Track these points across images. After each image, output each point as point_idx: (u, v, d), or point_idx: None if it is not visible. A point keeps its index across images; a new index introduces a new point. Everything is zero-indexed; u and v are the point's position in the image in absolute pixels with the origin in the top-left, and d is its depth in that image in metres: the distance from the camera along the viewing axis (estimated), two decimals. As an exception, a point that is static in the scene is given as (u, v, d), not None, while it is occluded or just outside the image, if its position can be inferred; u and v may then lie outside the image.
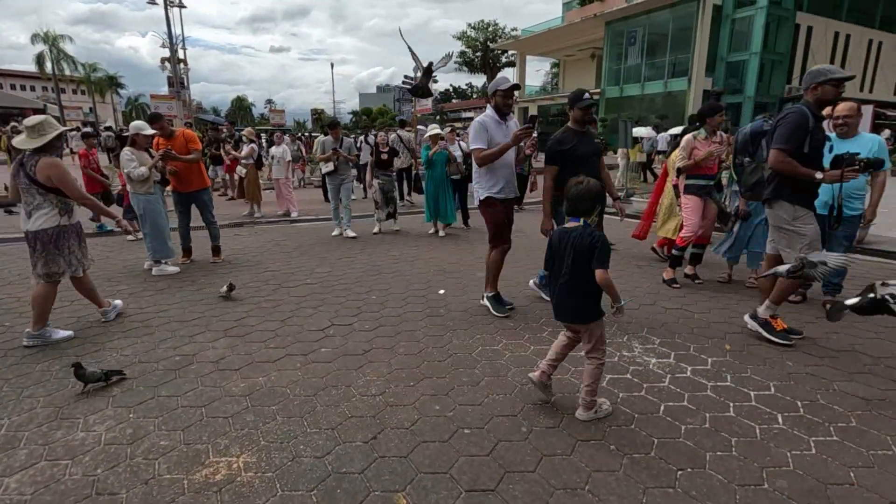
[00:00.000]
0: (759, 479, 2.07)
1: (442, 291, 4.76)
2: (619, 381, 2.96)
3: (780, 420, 2.53)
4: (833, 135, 3.98)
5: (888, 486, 2.03)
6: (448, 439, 2.36)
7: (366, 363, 3.20)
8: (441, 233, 7.71)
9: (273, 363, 3.19)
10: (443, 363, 3.21)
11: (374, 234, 7.62)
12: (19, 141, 3.46)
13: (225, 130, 12.90)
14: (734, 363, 3.20)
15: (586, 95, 3.90)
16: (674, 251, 5.02)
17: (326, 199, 10.31)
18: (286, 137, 12.19)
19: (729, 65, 24.80)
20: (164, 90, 28.44)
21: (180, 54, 26.26)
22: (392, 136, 12.23)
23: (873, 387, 2.88)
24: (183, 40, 26.93)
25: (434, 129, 7.94)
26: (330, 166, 7.21)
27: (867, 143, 3.93)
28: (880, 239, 6.47)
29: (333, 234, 7.47)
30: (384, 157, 7.86)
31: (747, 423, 2.51)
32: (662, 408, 2.65)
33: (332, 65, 48.94)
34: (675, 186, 5.70)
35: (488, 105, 4.09)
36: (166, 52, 25.47)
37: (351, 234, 7.39)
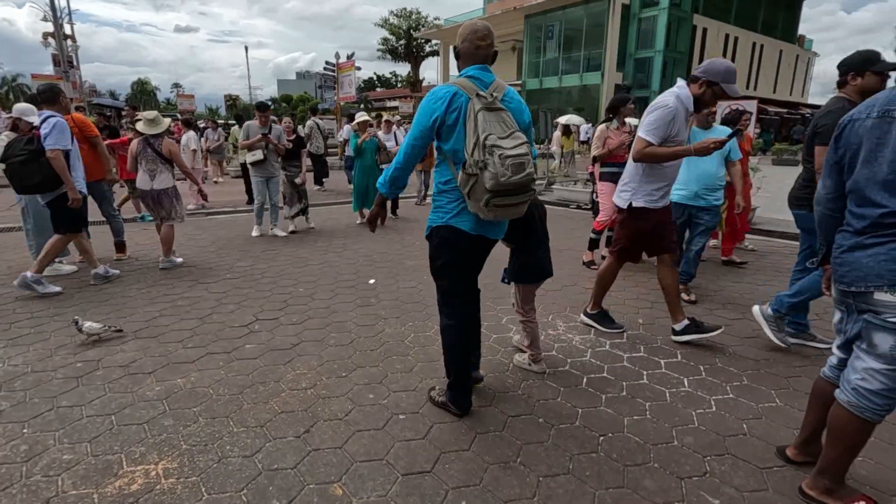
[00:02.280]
0: (670, 437, 2.28)
1: (372, 281, 4.70)
2: (545, 357, 3.10)
3: (686, 384, 2.80)
4: (695, 127, 4.27)
5: (774, 434, 2.32)
6: (383, 426, 2.36)
7: (295, 357, 3.10)
8: (358, 220, 7.67)
9: (192, 363, 2.99)
10: (375, 352, 3.19)
11: (291, 232, 6.78)
12: (143, 127, 4.99)
13: (126, 115, 11.71)
14: (646, 335, 3.48)
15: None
16: (592, 235, 5.33)
17: (250, 200, 8.95)
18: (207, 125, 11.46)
19: (637, 61, 26.55)
20: (49, 70, 25.26)
21: (67, 29, 23.43)
22: (308, 122, 11.87)
23: (761, 349, 3.26)
24: (70, 14, 24.04)
25: (363, 116, 7.70)
26: (258, 155, 6.27)
27: (721, 133, 4.19)
28: (764, 220, 7.30)
29: (254, 234, 6.66)
30: (289, 145, 6.75)
31: (659, 388, 2.75)
32: (585, 380, 2.83)
33: (246, 48, 45.98)
34: (591, 174, 6.05)
35: (684, 86, 3.03)
36: (49, 27, 22.60)
37: (280, 232, 6.68)
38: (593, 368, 2.98)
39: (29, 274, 4.15)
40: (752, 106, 8.04)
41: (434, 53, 44.61)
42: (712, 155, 3.48)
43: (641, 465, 2.09)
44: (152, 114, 5.13)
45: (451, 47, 2.39)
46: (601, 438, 2.27)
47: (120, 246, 5.48)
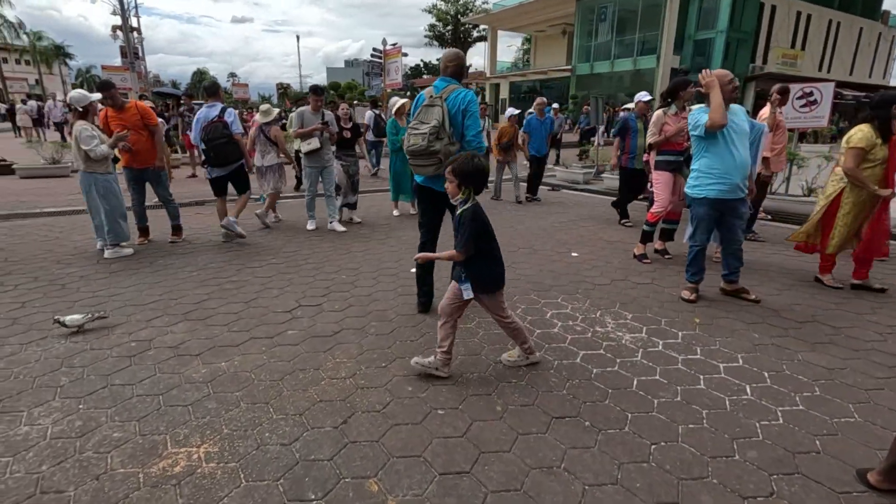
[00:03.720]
0: (731, 450, 2.09)
1: (414, 270, 4.65)
2: (592, 356, 2.95)
3: (748, 391, 2.57)
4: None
5: (852, 453, 2.08)
6: (421, 421, 2.30)
7: (335, 345, 3.09)
8: (395, 212, 7.36)
9: (236, 347, 3.04)
10: (415, 343, 3.13)
11: (353, 222, 6.64)
12: (260, 118, 6.39)
13: (183, 103, 12.20)
14: (703, 336, 3.24)
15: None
16: (644, 227, 5.05)
17: (298, 185, 9.19)
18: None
19: (696, 43, 25.04)
20: (117, 61, 26.74)
21: (133, 22, 24.68)
22: (368, 113, 11.83)
23: (835, 356, 2.97)
24: (136, 7, 25.30)
25: (399, 102, 7.23)
26: (314, 143, 5.88)
27: (739, 113, 3.74)
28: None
29: (309, 227, 6.27)
30: (347, 134, 6.49)
31: (717, 394, 2.54)
32: (635, 382, 2.66)
33: (297, 37, 46.96)
34: (646, 163, 5.72)
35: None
36: (118, 21, 23.87)
37: (339, 227, 6.24)
38: (645, 370, 2.79)
39: (232, 218, 5.58)
40: (828, 89, 7.35)
41: (482, 39, 43.94)
42: (744, 140, 3.61)
43: (698, 479, 1.92)
44: (265, 107, 6.49)
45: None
46: (653, 447, 2.11)
47: (176, 229, 5.70)
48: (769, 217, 6.94)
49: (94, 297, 3.89)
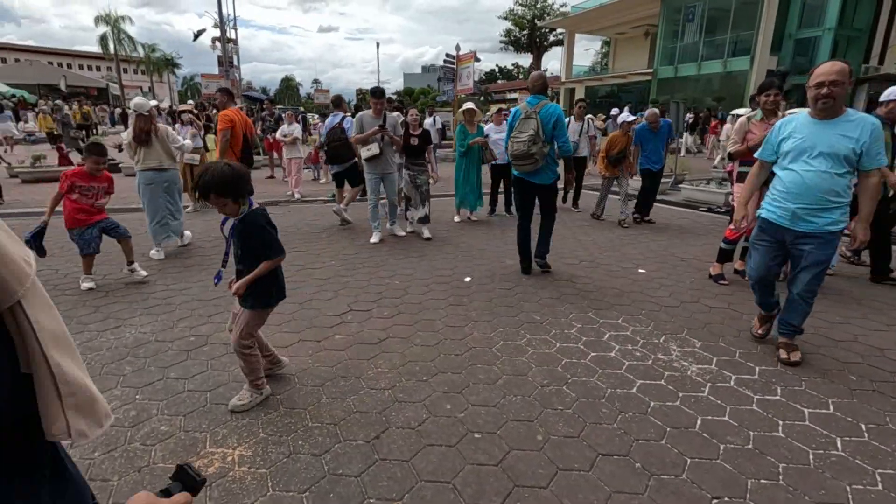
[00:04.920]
0: (811, 517, 1.79)
1: (468, 279, 4.55)
2: (651, 387, 2.68)
3: (838, 445, 2.20)
4: (801, 116, 2.90)
5: (974, 539, 1.69)
6: (455, 444, 2.18)
7: (379, 353, 3.06)
8: (456, 218, 7.21)
9: (286, 348, 3.10)
10: (460, 357, 3.02)
11: (423, 238, 6.08)
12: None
13: (266, 108, 12.99)
14: (786, 374, 2.85)
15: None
16: (723, 245, 4.59)
17: (363, 193, 9.37)
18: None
19: (798, 42, 22.85)
20: (215, 70, 29.17)
21: (230, 34, 26.78)
22: (429, 120, 11.83)
23: (956, 412, 2.48)
24: (234, 20, 27.44)
25: (468, 105, 7.03)
26: (373, 149, 5.49)
27: (857, 122, 2.69)
28: None
29: (373, 241, 5.83)
30: (414, 142, 5.96)
31: (799, 446, 2.20)
32: (699, 422, 2.37)
33: (377, 44, 48.65)
34: (729, 173, 5.22)
35: None
36: (218, 33, 26.02)
37: (399, 231, 6.11)
38: (711, 409, 2.49)
39: (342, 206, 6.53)
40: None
41: (558, 43, 43.05)
42: (826, 157, 2.70)
43: (767, 548, 1.65)
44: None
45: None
46: (714, 502, 1.85)
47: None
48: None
49: (166, 289, 4.17)
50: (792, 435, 2.28)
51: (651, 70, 28.25)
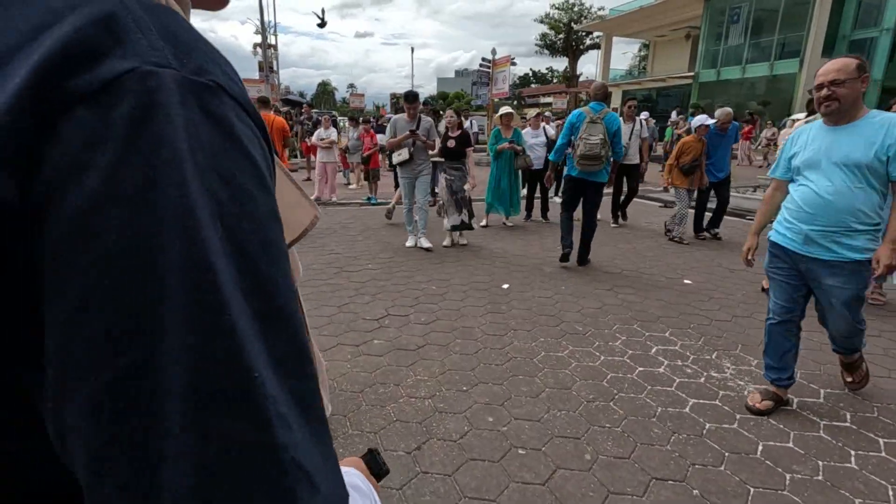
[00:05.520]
0: (896, 562, 1.62)
1: (506, 286, 4.46)
2: (705, 407, 2.53)
3: (921, 482, 2.01)
4: (816, 124, 2.44)
5: None
6: (499, 459, 2.10)
7: (418, 360, 3.01)
8: (483, 222, 7.01)
9: (325, 352, 3.09)
10: (500, 367, 2.94)
11: (460, 245, 5.96)
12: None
13: (304, 112, 13.29)
14: (856, 400, 2.64)
15: None
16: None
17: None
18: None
19: (853, 44, 21.71)
20: (256, 75, 30.11)
21: (271, 40, 27.57)
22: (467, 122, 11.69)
23: None
24: (274, 26, 28.25)
25: (506, 108, 6.88)
26: (403, 155, 5.47)
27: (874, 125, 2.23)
28: None
29: (408, 244, 5.86)
30: (451, 144, 5.77)
31: (876, 480, 2.01)
32: (760, 448, 2.21)
33: (412, 49, 49.08)
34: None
35: None
36: (259, 39, 26.84)
37: (425, 243, 5.75)
38: (774, 433, 2.32)
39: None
40: None
41: (595, 47, 42.43)
42: (842, 169, 2.22)
43: None
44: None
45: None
46: (783, 538, 1.71)
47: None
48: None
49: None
50: (867, 467, 2.09)
51: (692, 73, 27.48)
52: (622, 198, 7.25)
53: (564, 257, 5.04)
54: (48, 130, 0.25)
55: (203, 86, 0.29)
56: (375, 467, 0.67)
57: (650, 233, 6.83)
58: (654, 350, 3.19)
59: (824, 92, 2.23)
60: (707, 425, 2.37)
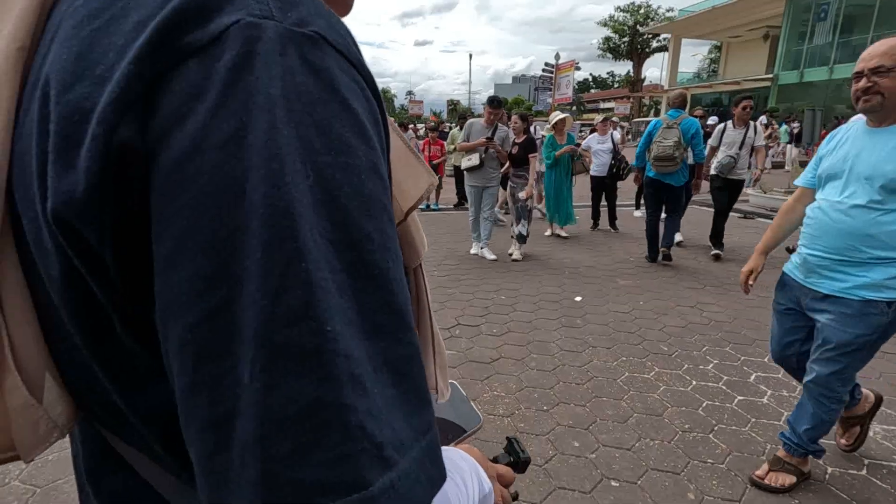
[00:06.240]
0: None
1: (579, 298, 4.25)
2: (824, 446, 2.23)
3: None
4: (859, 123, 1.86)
5: None
6: (590, 490, 1.94)
7: (493, 374, 2.89)
8: (547, 232, 6.80)
9: (396, 360, 3.03)
10: (581, 387, 2.76)
11: (511, 259, 5.60)
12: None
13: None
14: None
15: None
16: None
17: (459, 202, 9.31)
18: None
19: (963, 40, 19.49)
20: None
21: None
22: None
23: None
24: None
25: (558, 114, 6.51)
26: (474, 160, 5.26)
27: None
28: None
29: (473, 251, 5.79)
30: (515, 150, 5.48)
31: None
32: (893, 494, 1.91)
33: (470, 55, 49.44)
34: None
35: None
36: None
37: (489, 255, 5.62)
38: (913, 485, 2.00)
39: (497, 209, 6.37)
40: None
41: (661, 49, 40.81)
42: (864, 183, 1.71)
43: None
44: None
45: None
46: None
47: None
48: None
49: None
50: None
51: (770, 75, 25.76)
52: (720, 219, 5.75)
53: (651, 258, 5.46)
54: (163, 81, 0.26)
55: (304, 36, 0.29)
56: (514, 456, 0.63)
57: (735, 244, 6.34)
58: (753, 377, 2.89)
59: (862, 83, 1.70)
60: (830, 470, 2.09)
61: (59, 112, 0.28)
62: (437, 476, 0.30)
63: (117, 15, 0.29)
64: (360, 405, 0.26)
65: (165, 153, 0.26)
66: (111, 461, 0.41)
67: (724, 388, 2.76)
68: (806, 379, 1.91)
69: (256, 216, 0.25)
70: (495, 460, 0.62)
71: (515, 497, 0.60)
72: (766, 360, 3.12)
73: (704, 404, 2.59)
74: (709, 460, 2.14)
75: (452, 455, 0.48)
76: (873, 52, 1.70)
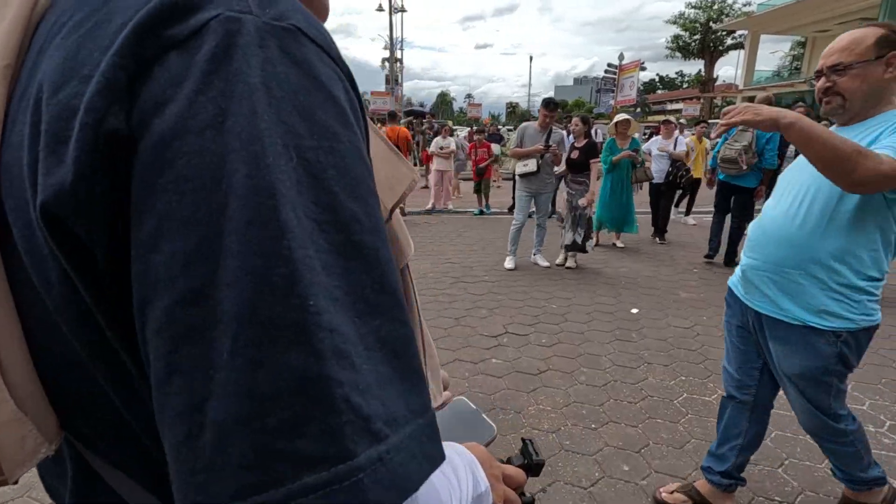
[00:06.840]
0: None
1: (635, 311, 4.05)
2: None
3: None
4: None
5: None
6: (639, 520, 1.82)
7: (540, 386, 2.80)
8: (593, 241, 6.02)
9: (443, 366, 3.00)
10: (634, 406, 2.61)
11: (565, 267, 5.43)
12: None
13: (426, 120, 13.76)
14: None
15: None
16: None
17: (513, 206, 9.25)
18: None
19: None
20: (382, 87, 32.20)
21: (399, 55, 29.30)
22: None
23: None
24: (402, 41, 30.02)
25: (622, 115, 6.25)
26: (530, 165, 5.05)
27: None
28: None
29: (507, 266, 5.31)
30: (575, 155, 5.29)
31: None
32: None
33: (530, 57, 48.89)
34: None
35: None
36: (387, 54, 28.70)
37: (542, 261, 5.45)
38: None
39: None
40: None
41: (737, 46, 38.36)
42: (810, 189, 1.46)
43: None
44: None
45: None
46: None
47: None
48: None
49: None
50: None
51: (863, 72, 23.46)
52: None
53: (708, 256, 5.56)
54: (146, 72, 0.27)
55: (283, 29, 0.29)
56: (528, 458, 0.61)
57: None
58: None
59: (821, 83, 1.50)
60: (921, 517, 1.83)
61: (49, 113, 0.28)
62: (435, 455, 0.29)
63: (101, 20, 0.29)
64: (344, 378, 0.26)
65: (145, 139, 0.27)
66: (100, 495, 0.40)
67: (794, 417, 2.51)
68: (803, 425, 1.75)
69: (237, 196, 0.26)
70: (509, 461, 0.61)
71: (531, 502, 0.58)
72: (849, 389, 2.80)
73: (773, 434, 2.37)
74: (777, 498, 1.95)
75: (448, 449, 0.45)
76: (833, 48, 1.48)
